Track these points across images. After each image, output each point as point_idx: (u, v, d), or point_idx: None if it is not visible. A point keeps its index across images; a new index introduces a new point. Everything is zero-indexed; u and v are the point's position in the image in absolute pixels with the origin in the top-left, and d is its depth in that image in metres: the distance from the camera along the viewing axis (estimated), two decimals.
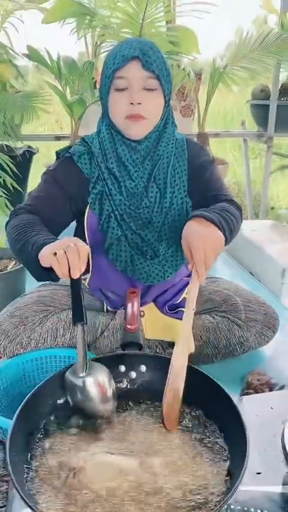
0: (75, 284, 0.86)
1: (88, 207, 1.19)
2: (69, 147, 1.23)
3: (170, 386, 0.86)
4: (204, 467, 0.73)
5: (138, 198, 1.18)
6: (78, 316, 0.85)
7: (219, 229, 0.98)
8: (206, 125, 2.49)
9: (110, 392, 0.85)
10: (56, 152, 1.24)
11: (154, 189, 1.18)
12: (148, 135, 1.14)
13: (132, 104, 1.08)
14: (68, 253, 0.85)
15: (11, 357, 1.19)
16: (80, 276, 0.86)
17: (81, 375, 0.84)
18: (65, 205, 1.17)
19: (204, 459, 0.75)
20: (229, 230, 1.05)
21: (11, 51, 1.80)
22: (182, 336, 0.90)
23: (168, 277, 1.22)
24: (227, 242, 1.04)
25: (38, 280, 1.02)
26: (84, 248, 0.87)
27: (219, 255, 0.95)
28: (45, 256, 0.88)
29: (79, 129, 2.35)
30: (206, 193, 1.19)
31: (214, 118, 5.16)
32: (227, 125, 5.35)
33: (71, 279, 0.85)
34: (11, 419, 1.00)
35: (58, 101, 2.31)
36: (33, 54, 2.23)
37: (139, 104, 1.08)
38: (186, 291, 1.35)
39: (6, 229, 1.10)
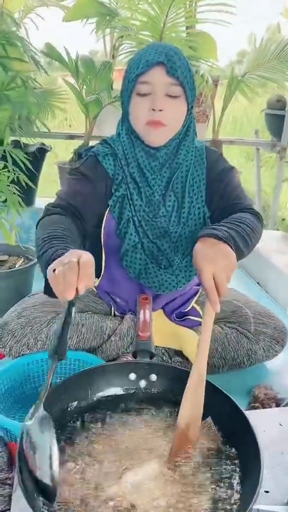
0: (69, 309, 0.75)
1: (108, 211, 1.17)
2: (91, 147, 1.21)
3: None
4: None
5: (155, 206, 1.16)
6: (62, 349, 0.74)
7: (229, 245, 0.92)
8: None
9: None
10: (78, 152, 1.22)
11: (172, 197, 1.16)
12: (168, 143, 1.12)
13: (153, 110, 1.06)
14: (65, 270, 0.74)
15: (16, 357, 1.18)
16: (75, 298, 0.75)
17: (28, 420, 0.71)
18: (95, 201, 1.12)
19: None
20: (244, 243, 0.99)
21: (30, 47, 1.79)
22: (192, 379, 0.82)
23: (180, 287, 1.21)
24: (242, 256, 1.01)
25: (50, 296, 0.88)
26: (87, 265, 0.75)
27: (232, 272, 0.88)
28: (48, 273, 0.79)
29: (94, 129, 2.35)
30: (223, 202, 1.16)
31: (223, 125, 5.16)
32: (236, 132, 5.34)
33: (68, 302, 0.75)
34: (15, 419, 1.00)
35: (69, 100, 2.30)
36: (51, 52, 2.22)
37: (160, 110, 1.05)
38: (194, 300, 1.34)
39: (36, 228, 1.03)
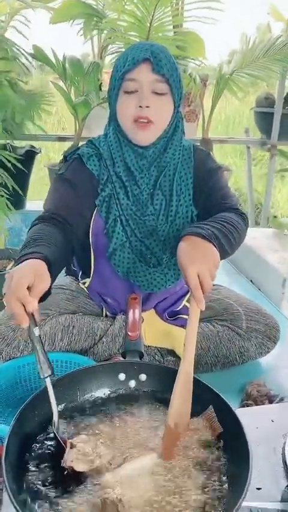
0: (29, 331, 0.75)
1: (95, 211, 1.17)
2: (77, 148, 1.21)
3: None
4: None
5: (143, 205, 1.16)
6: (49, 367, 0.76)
7: (213, 243, 0.93)
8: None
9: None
10: (64, 155, 1.22)
11: (160, 196, 1.16)
12: (156, 142, 1.12)
13: (140, 106, 1.06)
14: (13, 289, 0.75)
15: (7, 361, 1.17)
16: (32, 319, 0.75)
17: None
18: (79, 204, 1.12)
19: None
20: (228, 242, 1.00)
21: (17, 50, 1.78)
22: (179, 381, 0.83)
23: (169, 285, 1.21)
24: (227, 254, 1.02)
25: None
26: (18, 286, 0.75)
27: (216, 270, 0.89)
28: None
29: (83, 130, 2.34)
30: (210, 202, 1.17)
31: (215, 124, 5.17)
32: (228, 131, 5.35)
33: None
34: (5, 424, 0.98)
35: (61, 102, 2.30)
36: (38, 54, 2.22)
37: (147, 107, 1.06)
38: (186, 298, 1.34)
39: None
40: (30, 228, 1.04)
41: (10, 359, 1.17)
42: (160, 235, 1.17)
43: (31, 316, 0.75)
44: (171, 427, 0.79)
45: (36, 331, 0.76)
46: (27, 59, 1.85)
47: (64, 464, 0.70)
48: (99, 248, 1.19)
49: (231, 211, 1.13)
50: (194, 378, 0.86)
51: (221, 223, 1.03)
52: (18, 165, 1.48)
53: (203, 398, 0.83)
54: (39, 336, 0.76)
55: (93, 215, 1.17)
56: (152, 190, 1.16)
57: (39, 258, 0.86)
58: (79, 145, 2.23)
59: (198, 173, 1.19)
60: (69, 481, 0.69)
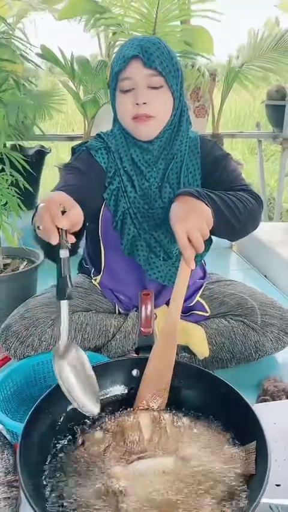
0: (57, 254, 0.75)
1: (103, 204, 1.17)
2: (85, 141, 1.21)
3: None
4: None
5: (152, 198, 1.15)
6: (61, 293, 0.74)
7: (204, 202, 0.91)
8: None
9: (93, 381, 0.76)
10: (72, 147, 1.22)
11: (168, 189, 1.16)
12: (160, 135, 1.12)
13: (137, 104, 1.06)
14: (46, 205, 0.76)
15: (21, 359, 1.17)
16: (61, 243, 0.75)
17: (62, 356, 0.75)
18: (89, 190, 1.11)
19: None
20: (228, 208, 0.98)
21: (24, 50, 1.79)
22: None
23: None
24: (228, 222, 0.99)
25: (47, 257, 0.95)
26: (65, 203, 0.77)
27: (209, 228, 0.88)
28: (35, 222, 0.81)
29: (92, 129, 2.34)
30: (220, 188, 1.13)
31: (225, 119, 5.13)
32: (239, 126, 5.31)
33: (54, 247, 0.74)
34: (21, 422, 0.98)
35: (71, 102, 2.31)
36: (46, 54, 2.22)
37: (144, 103, 1.06)
38: (199, 294, 1.32)
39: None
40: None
41: (24, 357, 1.17)
42: (169, 228, 1.16)
43: (61, 233, 0.75)
44: (146, 379, 0.83)
45: (63, 252, 0.75)
46: (34, 63, 1.85)
47: None
48: (108, 241, 1.19)
49: (242, 191, 1.10)
50: (210, 373, 0.85)
51: (221, 192, 1.01)
52: (26, 165, 1.48)
53: (219, 393, 0.82)
54: (67, 258, 0.75)
55: (102, 209, 1.17)
56: (160, 183, 1.15)
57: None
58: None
59: (206, 163, 1.18)
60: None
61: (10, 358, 1.26)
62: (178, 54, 2.27)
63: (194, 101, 2.45)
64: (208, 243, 1.20)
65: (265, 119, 3.11)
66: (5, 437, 0.95)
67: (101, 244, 1.21)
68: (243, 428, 0.77)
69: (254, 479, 0.67)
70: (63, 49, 2.21)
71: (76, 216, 0.79)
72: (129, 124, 1.10)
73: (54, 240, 0.74)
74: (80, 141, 2.47)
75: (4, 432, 0.99)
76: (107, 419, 0.79)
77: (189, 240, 0.86)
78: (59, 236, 0.75)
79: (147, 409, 0.82)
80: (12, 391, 1.09)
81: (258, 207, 1.10)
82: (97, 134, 1.21)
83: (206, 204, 0.92)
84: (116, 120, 1.16)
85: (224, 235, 1.10)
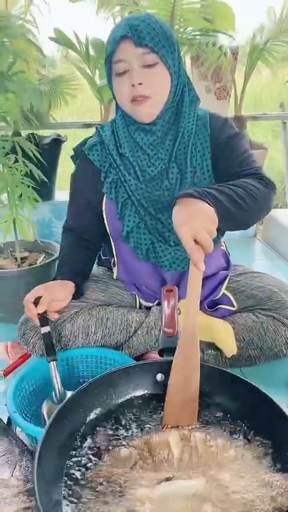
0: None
1: (105, 197, 1.16)
2: (85, 141, 1.21)
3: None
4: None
5: (158, 180, 1.12)
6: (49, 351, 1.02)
7: (206, 201, 0.88)
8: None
9: None
10: (73, 149, 1.24)
11: (175, 169, 1.11)
12: (162, 114, 1.07)
13: (133, 85, 1.02)
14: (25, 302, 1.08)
15: (41, 354, 1.13)
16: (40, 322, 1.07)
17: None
18: (93, 209, 1.20)
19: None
20: (233, 202, 0.94)
21: (35, 32, 1.72)
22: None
23: None
24: (233, 216, 0.94)
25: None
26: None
27: (214, 226, 0.85)
28: None
29: (109, 114, 2.26)
30: (228, 170, 1.09)
31: (246, 105, 4.95)
32: (259, 108, 5.11)
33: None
34: (40, 426, 0.94)
35: (87, 88, 2.23)
36: (60, 38, 2.15)
37: (140, 84, 1.02)
38: (225, 285, 1.25)
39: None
40: (62, 233, 1.29)
41: (43, 352, 1.12)
42: None
43: (38, 317, 1.08)
44: (171, 393, 0.78)
45: (43, 329, 1.07)
46: (42, 54, 1.78)
47: None
48: (116, 233, 1.18)
49: (249, 177, 1.05)
50: (236, 375, 0.80)
51: (224, 185, 0.97)
52: (38, 155, 1.43)
53: (248, 398, 0.76)
54: (47, 332, 1.06)
55: (104, 202, 1.17)
56: (167, 164, 1.11)
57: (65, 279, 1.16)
58: None
59: (215, 143, 1.12)
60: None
61: (30, 355, 1.23)
62: (198, 32, 2.16)
63: (215, 82, 2.34)
64: (218, 236, 1.19)
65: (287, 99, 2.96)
66: (23, 442, 0.91)
67: (110, 236, 1.20)
68: (275, 433, 0.71)
69: None
70: (77, 32, 2.14)
71: (46, 300, 1.09)
72: (129, 107, 1.07)
73: (37, 323, 1.09)
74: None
75: (23, 435, 0.95)
76: (134, 434, 0.73)
77: (196, 242, 0.82)
78: (39, 319, 1.08)
79: (177, 427, 0.76)
80: (30, 392, 1.05)
81: (268, 192, 1.04)
82: (96, 127, 1.21)
83: (208, 203, 0.88)
84: (118, 106, 1.13)
85: (233, 229, 1.10)
